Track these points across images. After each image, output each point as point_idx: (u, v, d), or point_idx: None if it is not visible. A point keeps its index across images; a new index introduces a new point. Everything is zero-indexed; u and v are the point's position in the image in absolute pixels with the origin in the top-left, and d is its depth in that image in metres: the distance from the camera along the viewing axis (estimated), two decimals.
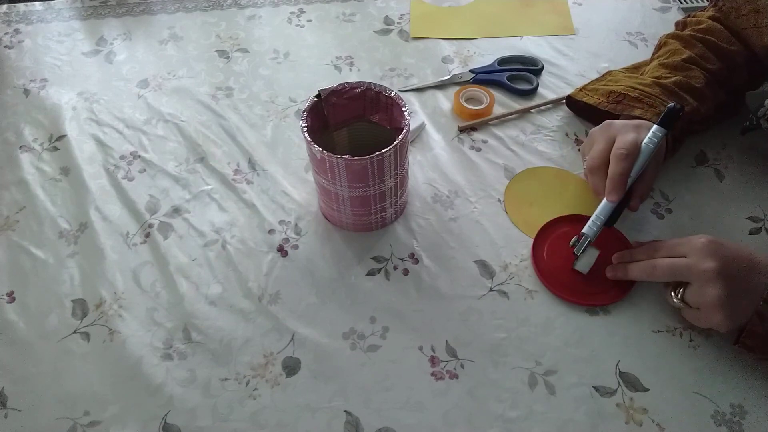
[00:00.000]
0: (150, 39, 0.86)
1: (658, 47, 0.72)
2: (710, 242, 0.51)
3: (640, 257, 0.56)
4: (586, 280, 0.58)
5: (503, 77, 0.78)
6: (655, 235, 0.62)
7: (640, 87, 0.65)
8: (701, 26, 0.68)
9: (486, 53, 0.82)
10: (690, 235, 0.53)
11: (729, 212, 0.64)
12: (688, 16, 0.72)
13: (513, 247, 0.62)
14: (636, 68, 0.74)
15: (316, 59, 0.83)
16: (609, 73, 0.73)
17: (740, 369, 0.53)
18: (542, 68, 0.79)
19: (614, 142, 0.58)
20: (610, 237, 0.61)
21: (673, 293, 0.54)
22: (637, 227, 0.63)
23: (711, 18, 0.68)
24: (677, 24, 0.73)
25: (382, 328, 0.57)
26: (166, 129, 0.74)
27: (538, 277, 0.59)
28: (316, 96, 0.58)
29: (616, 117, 0.64)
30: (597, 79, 0.73)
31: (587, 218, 0.60)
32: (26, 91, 0.79)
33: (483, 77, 0.78)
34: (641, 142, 0.58)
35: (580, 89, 0.72)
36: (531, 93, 0.77)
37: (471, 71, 0.79)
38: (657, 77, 0.65)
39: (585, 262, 0.58)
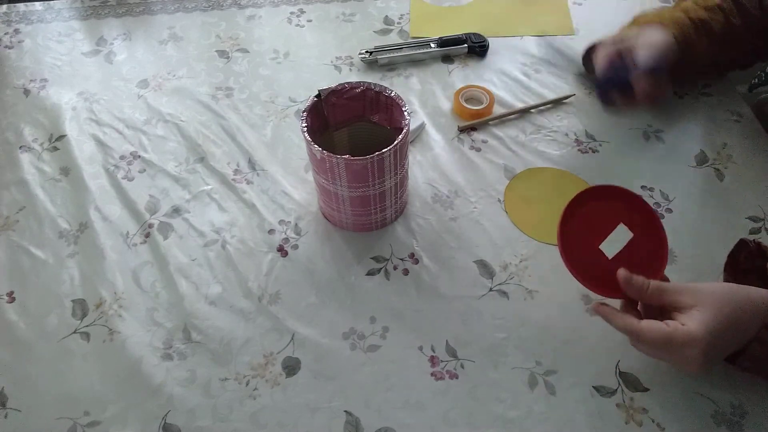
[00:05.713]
0: (150, 39, 0.86)
1: None
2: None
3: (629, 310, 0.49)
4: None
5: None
6: None
7: (669, 15, 0.68)
8: None
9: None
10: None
11: (729, 212, 0.64)
12: None
13: (513, 247, 0.62)
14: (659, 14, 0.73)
15: (316, 59, 0.83)
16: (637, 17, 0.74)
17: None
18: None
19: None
20: (639, 218, 0.50)
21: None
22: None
23: None
24: None
25: (382, 328, 0.57)
26: (166, 129, 0.74)
27: (568, 269, 0.49)
28: (316, 96, 0.58)
29: None
30: (627, 27, 0.72)
31: (614, 187, 0.51)
32: (26, 91, 0.79)
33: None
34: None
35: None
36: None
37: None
38: (686, 10, 0.68)
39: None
